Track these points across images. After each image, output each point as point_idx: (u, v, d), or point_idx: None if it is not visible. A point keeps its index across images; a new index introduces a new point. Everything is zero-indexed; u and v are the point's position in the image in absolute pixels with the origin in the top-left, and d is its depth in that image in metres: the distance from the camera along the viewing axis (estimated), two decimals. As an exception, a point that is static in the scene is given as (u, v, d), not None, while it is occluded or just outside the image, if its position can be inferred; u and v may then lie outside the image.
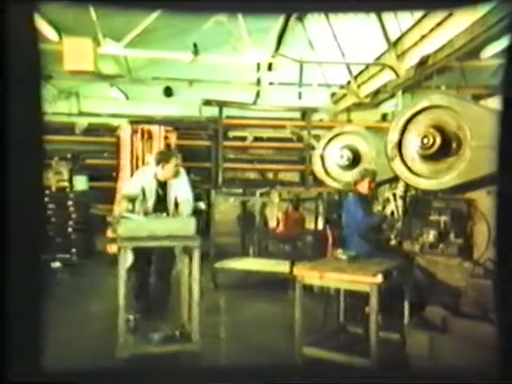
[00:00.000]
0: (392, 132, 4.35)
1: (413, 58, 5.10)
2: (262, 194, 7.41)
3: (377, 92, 7.02)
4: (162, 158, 4.68)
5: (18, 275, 1.30)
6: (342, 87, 8.60)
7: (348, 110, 8.77)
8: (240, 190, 7.79)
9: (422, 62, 4.78)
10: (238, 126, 9.56)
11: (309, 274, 3.79)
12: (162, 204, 4.67)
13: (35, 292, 1.36)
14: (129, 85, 8.99)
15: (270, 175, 10.04)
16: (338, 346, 3.91)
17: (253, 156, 9.76)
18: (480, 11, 3.63)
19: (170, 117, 9.28)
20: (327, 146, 6.56)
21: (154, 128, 7.89)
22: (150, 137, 7.78)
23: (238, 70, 8.23)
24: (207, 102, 8.77)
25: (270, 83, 8.27)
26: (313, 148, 7.27)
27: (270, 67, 8.04)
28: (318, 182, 7.60)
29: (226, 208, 7.96)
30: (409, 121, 4.28)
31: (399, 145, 4.34)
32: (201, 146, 9.32)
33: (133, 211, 4.36)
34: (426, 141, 4.06)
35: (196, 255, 3.84)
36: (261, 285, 6.37)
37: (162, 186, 4.72)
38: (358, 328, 4.26)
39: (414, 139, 4.21)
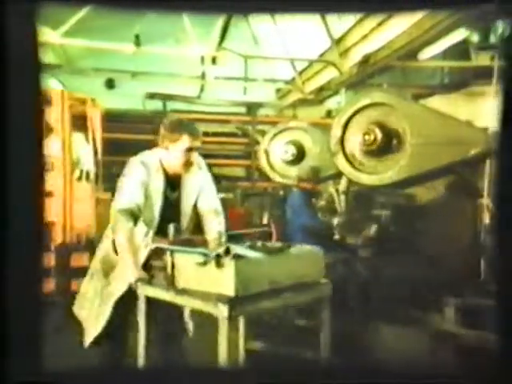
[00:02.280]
0: (335, 128, 4.42)
1: (355, 56, 5.21)
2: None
3: (321, 88, 7.12)
4: (167, 133, 2.69)
5: (18, 275, 1.29)
6: (287, 83, 8.65)
7: (293, 105, 8.85)
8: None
9: (364, 61, 4.89)
10: (182, 120, 9.42)
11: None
12: (170, 216, 2.72)
13: (35, 292, 1.36)
14: (68, 76, 8.63)
15: (215, 170, 9.98)
16: (285, 340, 3.94)
17: (198, 151, 9.65)
18: (417, 15, 3.76)
19: (112, 110, 9.01)
20: (272, 141, 6.61)
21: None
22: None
23: (183, 63, 8.10)
24: (151, 95, 8.58)
25: (215, 77, 8.20)
26: (258, 143, 7.28)
27: (214, 61, 7.97)
28: (264, 177, 7.63)
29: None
30: (351, 117, 4.37)
31: (342, 141, 4.42)
32: (145, 141, 9.10)
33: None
34: (367, 137, 4.16)
35: (326, 313, 2.51)
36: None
37: (173, 185, 2.78)
38: (307, 321, 4.31)
39: (357, 135, 4.31)
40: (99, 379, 1.58)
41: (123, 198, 2.63)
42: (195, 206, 2.89)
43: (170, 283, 2.31)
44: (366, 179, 4.44)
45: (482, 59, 6.89)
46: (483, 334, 3.02)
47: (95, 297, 2.75)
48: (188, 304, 2.32)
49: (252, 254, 2.25)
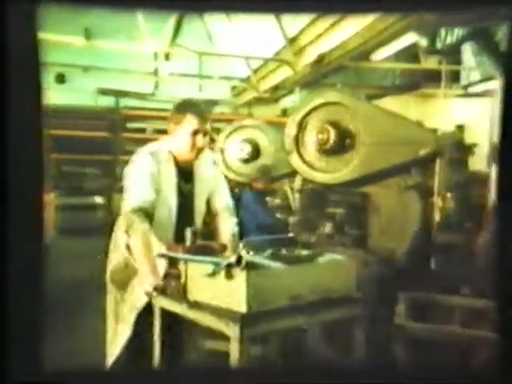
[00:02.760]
0: (289, 127, 4.44)
1: (309, 56, 5.25)
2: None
3: (276, 87, 7.15)
4: (172, 115, 2.45)
5: (18, 275, 1.27)
6: (242, 81, 8.64)
7: (248, 103, 8.84)
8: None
9: (318, 60, 4.94)
10: (136, 117, 9.24)
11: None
12: (185, 212, 2.49)
13: (36, 292, 1.34)
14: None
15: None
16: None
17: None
18: (370, 17, 3.83)
19: (62, 105, 8.71)
20: (227, 139, 6.57)
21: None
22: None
23: (136, 58, 7.93)
24: (103, 91, 8.36)
25: (170, 74, 8.07)
26: (213, 141, 7.23)
27: (167, 57, 7.85)
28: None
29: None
30: (305, 116, 4.40)
31: (297, 139, 4.45)
32: (97, 138, 8.87)
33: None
34: (321, 136, 4.20)
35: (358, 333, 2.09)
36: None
37: (185, 176, 2.51)
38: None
39: (311, 134, 4.34)
40: (99, 379, 1.55)
41: (134, 196, 2.32)
42: (207, 203, 2.61)
43: (182, 295, 2.04)
44: (321, 178, 4.48)
45: (430, 63, 7.12)
46: (434, 328, 3.11)
47: (109, 314, 2.50)
48: (199, 319, 1.97)
49: (269, 263, 1.92)
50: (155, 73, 8.41)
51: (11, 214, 1.27)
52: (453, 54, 7.19)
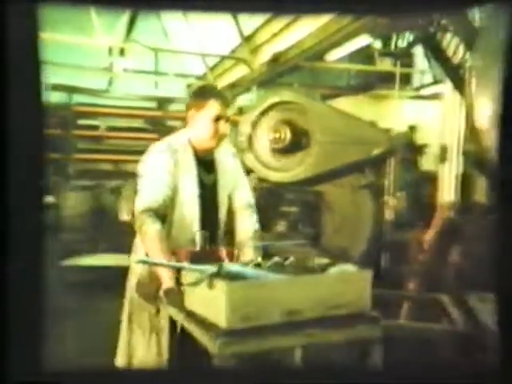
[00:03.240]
0: (243, 125, 4.44)
1: (265, 54, 5.25)
2: (115, 187, 7.10)
3: (233, 85, 7.12)
4: (192, 101, 2.34)
5: (18, 275, 1.26)
6: (198, 78, 8.55)
7: (205, 101, 8.76)
8: (92, 183, 7.35)
9: (274, 59, 4.95)
10: (89, 114, 8.99)
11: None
12: (209, 204, 2.35)
13: (36, 291, 1.32)
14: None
15: (126, 167, 9.64)
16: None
17: (106, 146, 9.27)
18: (324, 18, 3.87)
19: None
20: (183, 137, 6.49)
21: None
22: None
23: (89, 53, 7.71)
24: (54, 87, 8.08)
25: (124, 70, 7.90)
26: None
27: (122, 53, 7.67)
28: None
29: (76, 202, 7.47)
30: (260, 115, 4.40)
31: (251, 138, 4.45)
32: (48, 135, 8.56)
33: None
34: (276, 135, 4.22)
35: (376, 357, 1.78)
36: (115, 282, 6.10)
37: (206, 167, 2.38)
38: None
39: (266, 133, 4.35)
40: (99, 379, 1.50)
41: (145, 196, 2.19)
42: (229, 198, 2.44)
43: (178, 303, 1.89)
44: (275, 176, 4.50)
45: (384, 65, 7.27)
46: (390, 323, 3.16)
47: (144, 333, 2.30)
48: (191, 329, 1.77)
49: (256, 273, 1.74)
50: (109, 69, 8.21)
51: (11, 214, 1.26)
52: (406, 56, 7.37)
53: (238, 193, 2.47)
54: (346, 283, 1.77)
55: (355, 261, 4.40)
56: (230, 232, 2.44)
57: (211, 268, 1.71)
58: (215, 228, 2.37)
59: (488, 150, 1.67)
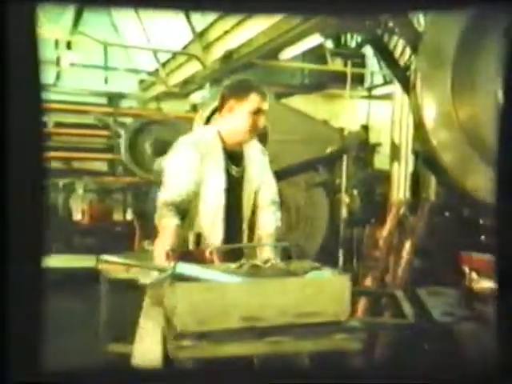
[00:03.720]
0: (197, 123, 4.38)
1: (218, 51, 5.20)
2: (65, 185, 6.89)
3: (186, 82, 7.02)
4: (231, 93, 2.31)
5: (18, 275, 1.26)
6: (150, 74, 8.39)
7: (157, 98, 8.61)
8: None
9: (227, 56, 4.91)
10: (35, 110, 8.64)
11: (115, 268, 3.61)
12: (234, 198, 2.32)
13: (36, 291, 1.32)
14: None
15: (75, 164, 9.34)
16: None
17: (55, 143, 8.94)
18: (276, 17, 3.86)
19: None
20: (135, 134, 6.39)
21: None
22: None
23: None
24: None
25: (71, 64, 7.62)
26: (120, 136, 6.98)
27: (69, 46, 7.40)
28: (128, 172, 7.34)
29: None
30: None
31: (205, 135, 4.38)
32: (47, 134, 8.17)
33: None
34: (230, 133, 4.17)
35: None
36: (66, 282, 5.90)
37: (235, 160, 2.35)
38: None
39: (219, 131, 4.30)
40: (99, 379, 1.47)
41: (168, 189, 2.18)
42: (255, 193, 2.39)
43: (157, 302, 1.84)
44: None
45: (337, 64, 7.37)
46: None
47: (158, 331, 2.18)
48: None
49: (216, 275, 1.67)
50: (57, 62, 7.90)
51: (11, 214, 1.25)
52: (357, 57, 7.49)
53: (263, 189, 2.43)
54: (320, 289, 1.64)
55: (311, 258, 4.43)
56: (251, 228, 2.38)
57: (170, 269, 1.66)
58: (239, 222, 2.34)
59: (435, 149, 1.70)
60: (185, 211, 2.19)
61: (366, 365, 1.70)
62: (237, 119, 2.28)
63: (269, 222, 2.42)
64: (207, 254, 2.05)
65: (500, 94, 1.68)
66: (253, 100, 2.26)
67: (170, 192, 2.18)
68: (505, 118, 1.17)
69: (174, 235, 2.06)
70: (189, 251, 2.08)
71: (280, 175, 4.47)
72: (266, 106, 2.30)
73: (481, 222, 3.32)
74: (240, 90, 2.29)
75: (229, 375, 1.50)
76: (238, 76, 2.40)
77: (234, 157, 2.32)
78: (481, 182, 1.74)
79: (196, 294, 1.55)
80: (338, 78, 7.07)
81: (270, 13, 3.31)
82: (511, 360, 1.20)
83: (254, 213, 2.42)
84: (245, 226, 2.37)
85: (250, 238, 2.39)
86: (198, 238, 2.09)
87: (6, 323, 1.25)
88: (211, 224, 2.25)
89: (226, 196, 2.25)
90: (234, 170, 2.31)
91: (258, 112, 2.27)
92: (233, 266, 1.85)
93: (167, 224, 2.09)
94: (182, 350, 1.51)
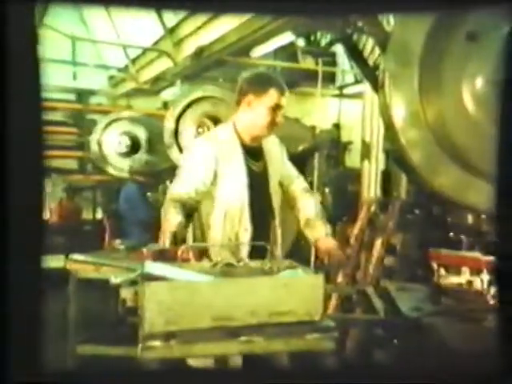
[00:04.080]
0: (168, 120, 4.35)
1: (189, 48, 5.16)
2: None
3: (157, 79, 6.94)
4: (250, 87, 2.25)
5: (18, 275, 1.27)
6: (119, 70, 8.25)
7: (127, 95, 8.48)
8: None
9: (198, 53, 4.88)
10: (1, 106, 8.40)
11: (84, 267, 3.54)
12: (259, 193, 2.30)
13: (36, 291, 1.33)
14: None
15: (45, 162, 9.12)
16: (116, 339, 3.75)
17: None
18: (246, 15, 3.87)
19: None
20: (105, 131, 6.30)
21: None
22: None
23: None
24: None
25: (38, 59, 7.43)
26: (90, 133, 6.86)
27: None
28: (98, 170, 7.22)
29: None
30: (185, 110, 4.33)
31: (176, 133, 4.35)
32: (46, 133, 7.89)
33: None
34: (200, 130, 4.17)
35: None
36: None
37: (254, 154, 2.32)
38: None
39: (190, 128, 4.28)
40: (99, 379, 1.48)
41: (179, 185, 2.18)
42: (280, 185, 2.41)
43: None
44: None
45: (308, 63, 7.40)
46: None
47: None
48: None
49: (186, 274, 1.64)
50: (22, 57, 7.70)
51: (11, 214, 1.25)
52: (328, 55, 7.54)
53: (293, 179, 2.48)
54: (293, 288, 1.62)
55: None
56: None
57: (140, 268, 1.63)
58: (268, 217, 2.34)
59: (404, 148, 1.73)
60: (191, 209, 2.17)
61: (338, 363, 1.71)
62: (255, 114, 2.24)
63: (311, 206, 2.43)
64: (180, 252, 2.03)
65: (466, 96, 1.72)
66: (272, 95, 2.22)
67: (178, 188, 2.18)
68: (503, 127, 1.20)
69: (180, 231, 2.04)
70: (164, 250, 2.05)
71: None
72: (284, 101, 2.26)
73: (449, 219, 3.38)
74: (259, 85, 2.25)
75: (200, 375, 1.50)
76: (255, 70, 2.37)
77: (252, 152, 2.31)
78: (448, 180, 1.77)
79: (164, 294, 1.51)
80: (310, 77, 7.10)
81: (239, 12, 3.31)
82: (511, 360, 1.22)
83: (282, 207, 2.43)
84: (277, 223, 2.38)
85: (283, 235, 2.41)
86: (175, 236, 2.04)
87: (6, 323, 1.26)
88: (234, 220, 2.22)
89: (249, 191, 2.23)
90: (255, 165, 2.29)
91: (276, 107, 2.24)
92: (207, 265, 1.83)
93: (170, 220, 2.06)
94: (149, 351, 1.47)
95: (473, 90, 1.72)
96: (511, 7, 1.23)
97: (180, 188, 2.18)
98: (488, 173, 1.73)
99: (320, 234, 2.35)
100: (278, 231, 2.41)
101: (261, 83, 2.26)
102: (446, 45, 1.71)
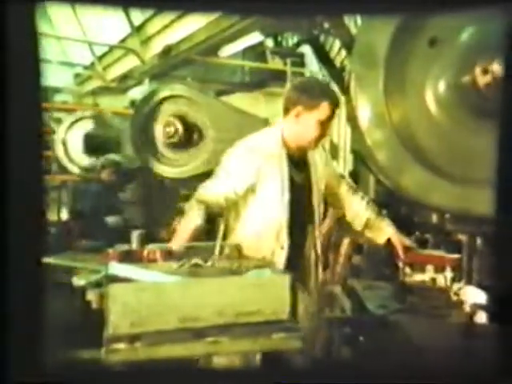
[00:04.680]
0: (135, 119, 4.29)
1: (157, 46, 5.11)
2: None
3: (124, 77, 6.84)
4: (302, 97, 2.09)
5: (18, 274, 1.28)
6: (85, 68, 8.10)
7: (94, 93, 8.33)
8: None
9: (165, 52, 4.83)
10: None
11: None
12: (301, 203, 2.21)
13: (36, 291, 1.33)
14: None
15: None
16: (82, 343, 3.70)
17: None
18: (213, 15, 3.86)
19: None
20: (70, 130, 6.17)
21: None
22: None
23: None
24: None
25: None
26: (54, 132, 6.71)
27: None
28: (63, 170, 7.06)
29: None
30: (153, 109, 4.28)
31: (144, 132, 4.31)
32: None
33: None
34: (168, 129, 4.13)
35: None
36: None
37: (297, 164, 2.23)
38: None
39: (158, 127, 4.24)
40: (99, 379, 1.47)
41: (209, 187, 2.11)
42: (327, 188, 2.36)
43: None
44: (169, 172, 4.41)
45: (277, 63, 7.43)
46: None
47: None
48: None
49: (151, 275, 1.62)
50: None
51: (11, 214, 1.27)
52: (296, 56, 7.59)
53: (339, 181, 2.41)
54: (260, 288, 1.62)
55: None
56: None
57: (104, 269, 1.63)
58: (311, 224, 2.27)
59: (370, 149, 1.75)
60: (214, 215, 2.12)
61: (306, 362, 1.73)
62: (304, 126, 2.11)
63: (364, 206, 2.41)
64: (145, 253, 1.99)
65: (429, 98, 1.76)
66: (324, 108, 2.06)
67: (208, 191, 2.11)
68: (504, 130, 1.22)
69: (190, 234, 2.02)
70: (130, 251, 2.04)
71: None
72: (337, 111, 2.10)
73: (415, 219, 3.45)
74: (310, 96, 2.08)
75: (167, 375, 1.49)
76: (305, 77, 2.30)
77: (296, 162, 2.22)
78: (413, 180, 1.80)
79: (129, 295, 1.48)
80: (279, 77, 7.12)
81: (205, 11, 3.30)
82: (511, 360, 1.24)
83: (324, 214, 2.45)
84: (317, 233, 2.30)
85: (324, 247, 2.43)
86: (142, 237, 2.04)
87: (6, 323, 1.27)
88: (272, 229, 2.13)
89: (290, 201, 2.14)
90: (298, 176, 2.21)
91: (327, 120, 2.10)
92: (174, 265, 1.81)
93: (190, 221, 2.04)
94: (114, 354, 1.45)
95: (435, 93, 1.76)
96: (508, 7, 1.25)
97: (210, 191, 2.11)
98: (451, 174, 1.78)
99: (390, 232, 2.33)
100: (318, 241, 2.35)
101: (312, 95, 2.08)
102: (410, 48, 1.74)
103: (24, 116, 1.28)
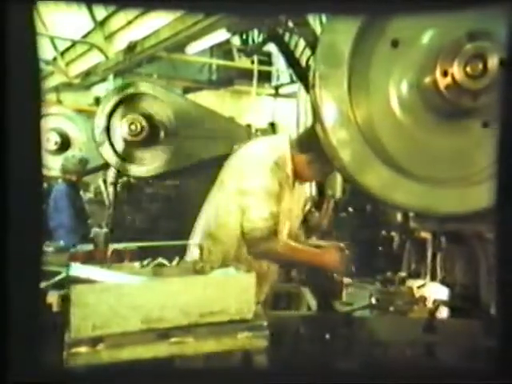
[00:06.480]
0: (99, 117, 4.21)
1: (121, 42, 5.01)
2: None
3: (88, 73, 6.69)
4: None
5: (18, 274, 1.26)
6: (47, 63, 7.88)
7: (57, 89, 8.12)
8: None
9: (130, 48, 4.75)
10: None
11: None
12: None
13: (36, 292, 1.31)
14: None
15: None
16: (44, 347, 3.61)
17: None
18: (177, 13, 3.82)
19: None
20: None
21: None
22: None
23: None
24: None
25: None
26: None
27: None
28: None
29: None
30: (117, 106, 4.20)
31: (108, 130, 4.22)
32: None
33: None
34: (133, 127, 4.06)
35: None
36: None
37: None
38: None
39: (122, 125, 4.16)
40: (99, 379, 1.46)
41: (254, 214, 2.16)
42: None
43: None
44: (134, 170, 4.35)
45: (244, 61, 7.42)
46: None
47: None
48: None
49: (110, 276, 1.58)
50: None
51: (11, 214, 1.25)
52: (262, 54, 7.60)
53: None
54: (224, 287, 1.59)
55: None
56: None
57: (65, 271, 1.63)
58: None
59: (334, 147, 1.75)
60: (274, 230, 2.18)
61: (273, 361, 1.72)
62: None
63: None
64: (109, 254, 1.97)
65: (392, 99, 1.78)
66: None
67: (255, 217, 2.16)
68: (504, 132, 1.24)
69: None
70: (93, 251, 2.01)
71: (186, 171, 4.42)
72: None
73: (380, 218, 3.50)
74: None
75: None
76: None
77: None
78: (377, 179, 1.81)
79: (91, 297, 1.44)
80: (246, 75, 7.12)
81: (169, 9, 3.28)
82: (511, 360, 1.26)
83: None
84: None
85: None
86: (107, 236, 1.99)
87: (6, 323, 1.26)
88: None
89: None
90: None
91: None
92: (137, 265, 1.78)
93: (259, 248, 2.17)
94: (76, 358, 1.41)
95: (399, 94, 1.78)
96: (510, 6, 1.27)
97: (256, 217, 2.17)
98: (415, 173, 1.80)
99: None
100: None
101: None
102: (374, 48, 1.76)
103: (24, 115, 1.28)
